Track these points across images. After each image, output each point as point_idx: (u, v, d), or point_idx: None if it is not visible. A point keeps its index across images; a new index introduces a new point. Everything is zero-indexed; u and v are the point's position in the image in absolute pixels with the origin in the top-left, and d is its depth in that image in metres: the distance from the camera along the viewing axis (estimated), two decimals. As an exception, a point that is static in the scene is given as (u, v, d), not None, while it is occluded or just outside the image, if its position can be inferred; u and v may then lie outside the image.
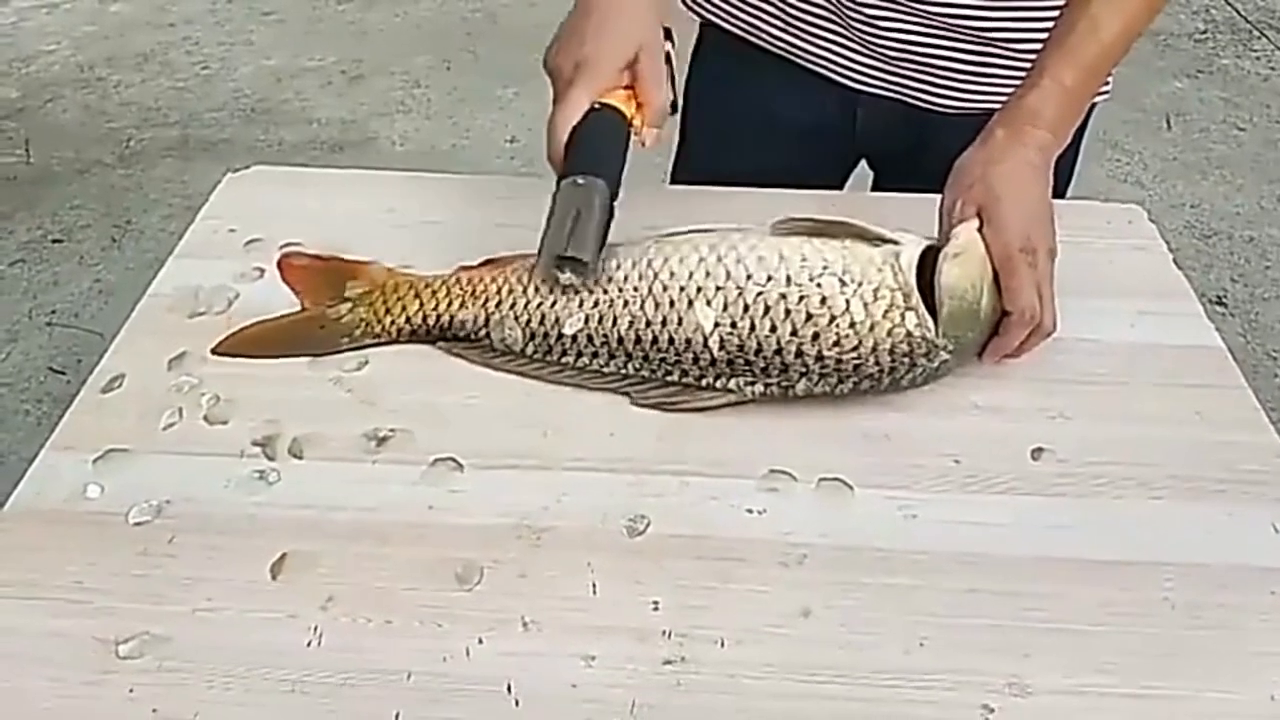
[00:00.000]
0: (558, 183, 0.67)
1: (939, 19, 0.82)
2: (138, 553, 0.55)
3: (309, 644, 0.51)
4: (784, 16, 0.88)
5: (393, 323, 0.69)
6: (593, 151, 0.67)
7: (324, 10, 3.08)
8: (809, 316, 0.62)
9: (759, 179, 0.81)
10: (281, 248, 0.75)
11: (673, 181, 0.99)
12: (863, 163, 0.99)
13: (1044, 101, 0.68)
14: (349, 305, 0.70)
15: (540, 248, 0.66)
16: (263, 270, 0.76)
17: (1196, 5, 3.03)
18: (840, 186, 0.98)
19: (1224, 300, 2.03)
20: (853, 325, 0.62)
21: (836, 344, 0.62)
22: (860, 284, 0.63)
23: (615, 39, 0.68)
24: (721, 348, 0.63)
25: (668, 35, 0.71)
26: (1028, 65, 0.84)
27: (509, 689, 0.50)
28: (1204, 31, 2.93)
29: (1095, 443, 0.63)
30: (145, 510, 0.58)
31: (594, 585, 0.54)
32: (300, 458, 0.61)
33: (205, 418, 0.63)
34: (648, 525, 0.58)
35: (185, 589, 0.54)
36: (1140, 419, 0.65)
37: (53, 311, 1.96)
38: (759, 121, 0.92)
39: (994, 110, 0.84)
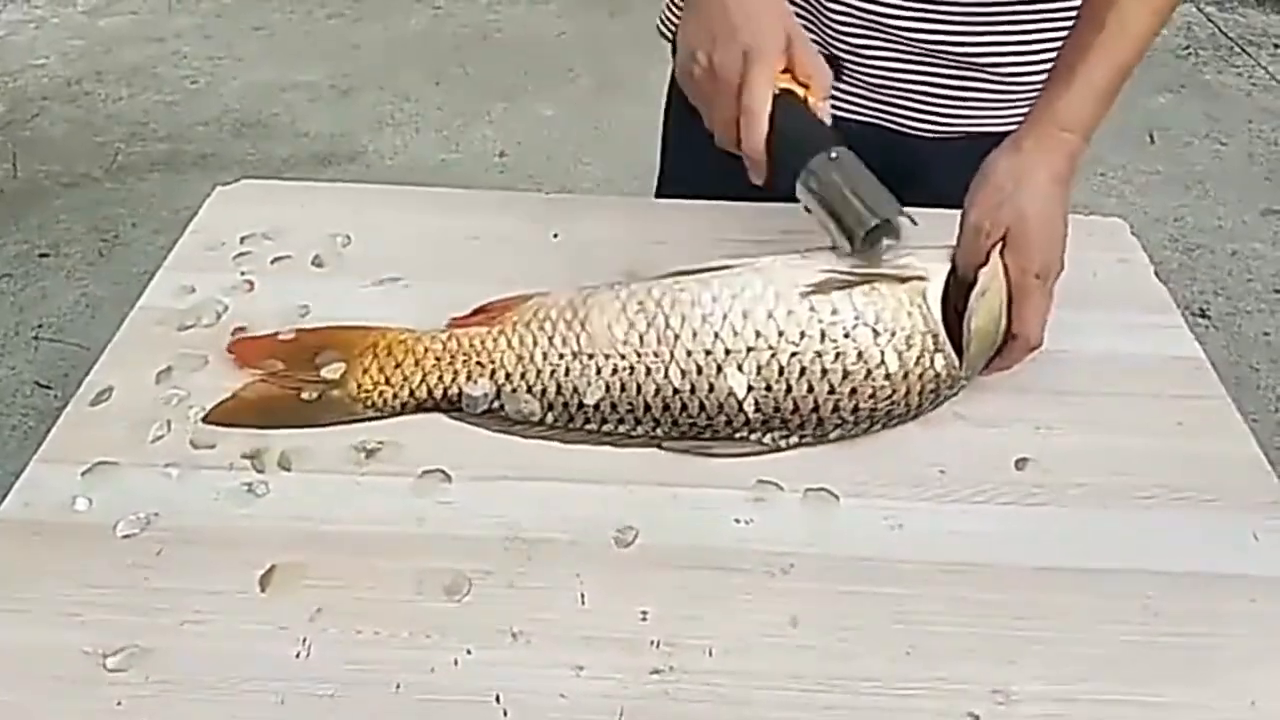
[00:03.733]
0: (793, 173, 0.64)
1: (919, 46, 0.83)
2: (126, 565, 0.55)
3: (298, 656, 0.51)
4: None
5: (395, 396, 0.64)
6: (806, 129, 0.64)
7: (313, 25, 3.09)
8: (845, 374, 0.62)
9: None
10: (234, 332, 0.70)
11: (660, 177, 0.99)
12: None
13: (1075, 104, 0.67)
14: (334, 382, 0.65)
15: (847, 237, 0.63)
16: (252, 283, 0.76)
17: (1179, 21, 3.07)
18: None
19: (1206, 313, 2.05)
20: (888, 376, 0.62)
21: (872, 395, 0.62)
22: (894, 333, 0.62)
23: (771, 23, 0.66)
24: (757, 410, 0.62)
25: None
26: (1008, 88, 0.83)
27: (498, 699, 0.50)
28: (1186, 47, 2.97)
29: (1079, 453, 0.64)
30: (133, 523, 0.58)
31: (582, 596, 0.55)
32: (289, 470, 0.61)
33: (191, 440, 0.63)
34: (636, 536, 0.58)
35: (173, 601, 0.54)
36: (1123, 429, 0.65)
37: (39, 325, 1.95)
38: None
39: (976, 134, 0.83)
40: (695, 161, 0.83)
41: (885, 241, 0.64)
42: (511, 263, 0.78)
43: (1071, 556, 0.58)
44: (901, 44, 0.83)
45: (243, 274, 0.77)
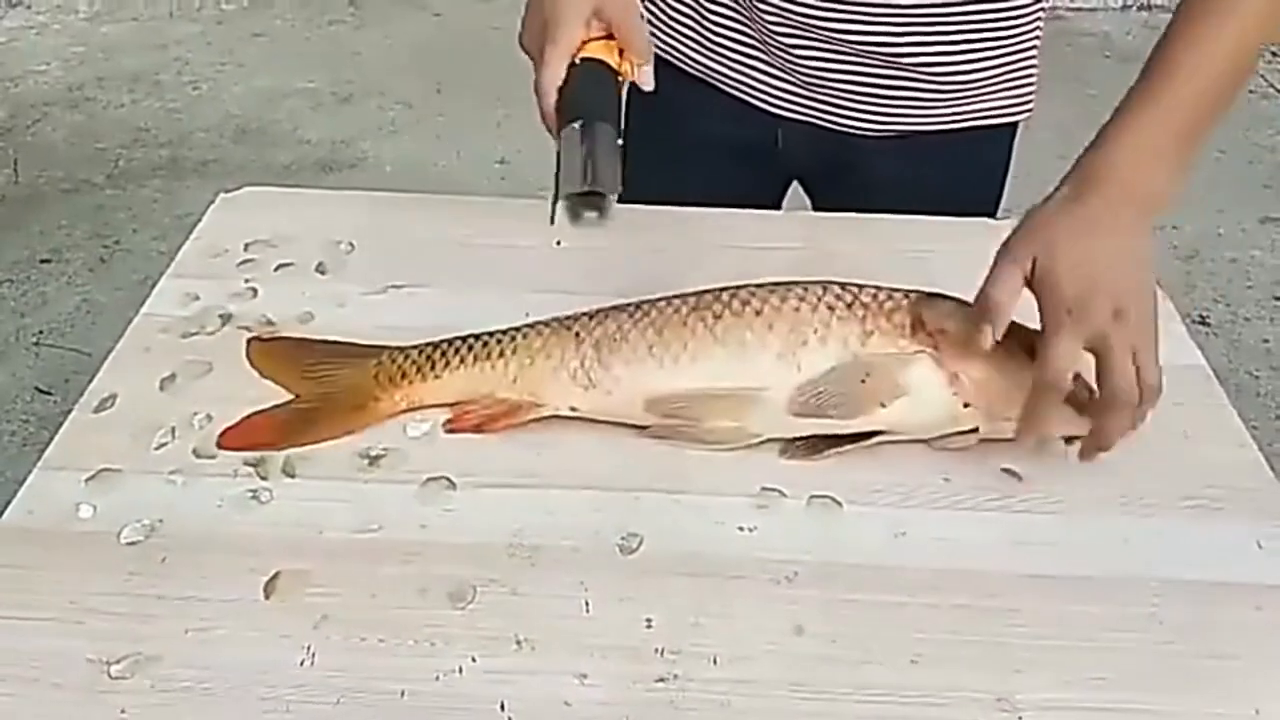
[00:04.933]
0: (557, 138, 0.65)
1: (853, 46, 0.83)
2: (130, 572, 0.55)
3: (302, 663, 0.51)
4: (704, 42, 0.89)
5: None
6: (583, 99, 0.66)
7: (314, 32, 3.10)
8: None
9: (700, 198, 0.82)
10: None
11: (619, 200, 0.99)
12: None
13: (1114, 153, 0.62)
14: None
15: (554, 195, 0.63)
16: (256, 290, 0.76)
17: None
18: (777, 206, 0.98)
19: (1207, 320, 2.05)
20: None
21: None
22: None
23: None
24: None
25: None
26: (937, 88, 0.83)
27: (502, 707, 0.50)
28: (1184, 55, 2.98)
29: (1080, 461, 0.64)
30: (137, 530, 0.58)
31: (587, 603, 0.55)
32: (293, 476, 0.61)
33: (195, 448, 0.63)
34: (640, 543, 0.58)
35: (177, 609, 0.54)
36: (1125, 437, 0.65)
37: (40, 331, 1.96)
38: (693, 143, 0.92)
39: (909, 132, 0.83)
40: (652, 167, 0.83)
41: (590, 213, 0.64)
42: (517, 270, 0.79)
43: (1075, 565, 0.58)
44: (831, 43, 0.83)
45: (246, 281, 0.77)
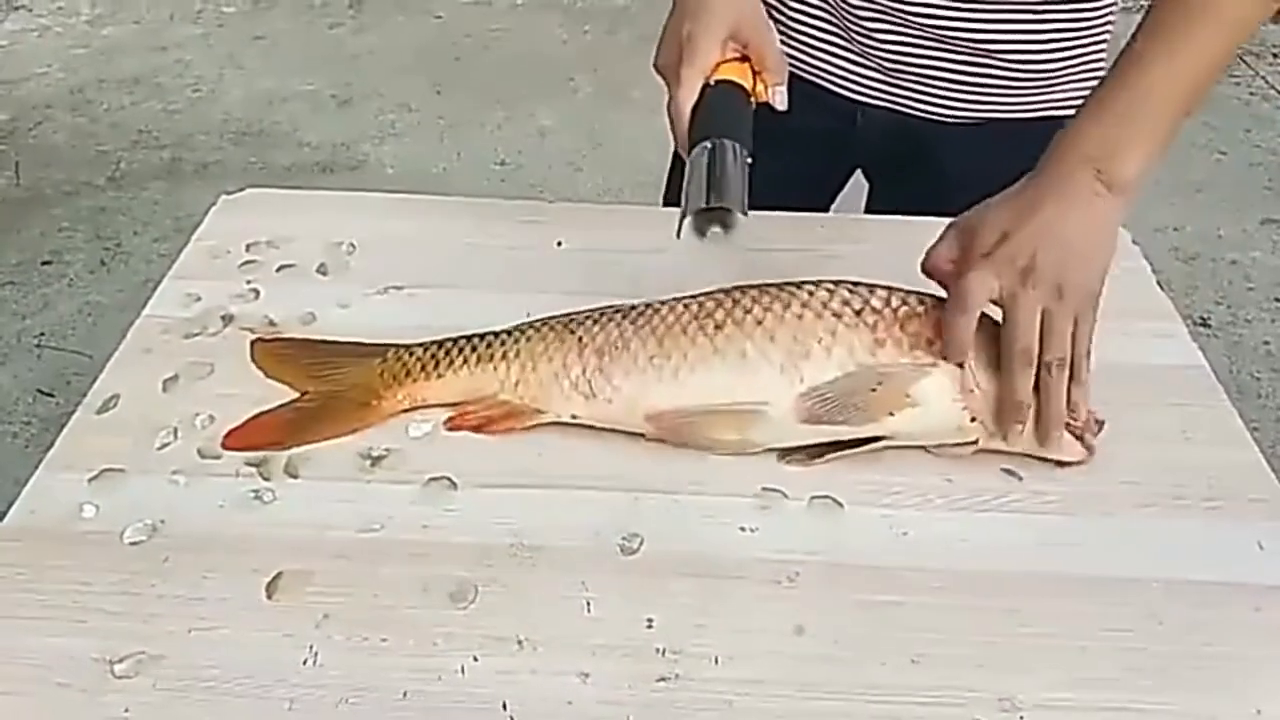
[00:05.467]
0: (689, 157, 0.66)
1: (934, 31, 0.84)
2: (133, 572, 0.56)
3: (305, 663, 0.52)
4: (784, 28, 0.90)
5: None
6: (716, 119, 0.67)
7: (315, 34, 3.10)
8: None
9: (760, 185, 0.82)
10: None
11: (667, 186, 0.99)
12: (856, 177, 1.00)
13: (1078, 135, 0.64)
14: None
15: (682, 210, 0.63)
16: (258, 292, 0.76)
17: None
18: (834, 195, 0.99)
19: (1208, 321, 2.05)
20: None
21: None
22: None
23: (712, 14, 0.69)
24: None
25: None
26: (1018, 75, 0.84)
27: (504, 707, 0.50)
28: (1184, 58, 2.98)
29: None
30: (140, 530, 0.58)
31: (588, 603, 0.55)
32: (295, 477, 0.61)
33: (199, 449, 0.63)
34: (641, 543, 0.58)
35: (180, 608, 0.54)
36: (1126, 438, 0.65)
37: (41, 334, 1.96)
38: (760, 129, 0.93)
39: (986, 119, 0.84)
40: None
41: (715, 228, 0.64)
42: (517, 271, 0.79)
43: (1077, 565, 0.58)
44: (914, 28, 0.84)
45: (248, 282, 0.77)
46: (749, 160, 0.65)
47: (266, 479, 0.61)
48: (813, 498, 0.61)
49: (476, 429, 0.64)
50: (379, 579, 0.56)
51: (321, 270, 0.79)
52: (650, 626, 0.54)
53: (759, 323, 0.64)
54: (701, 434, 0.63)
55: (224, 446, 0.63)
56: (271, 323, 0.73)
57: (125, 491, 0.60)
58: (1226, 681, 0.52)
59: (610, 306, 0.67)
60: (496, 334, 0.67)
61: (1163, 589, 0.56)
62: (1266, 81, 2.89)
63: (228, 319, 0.73)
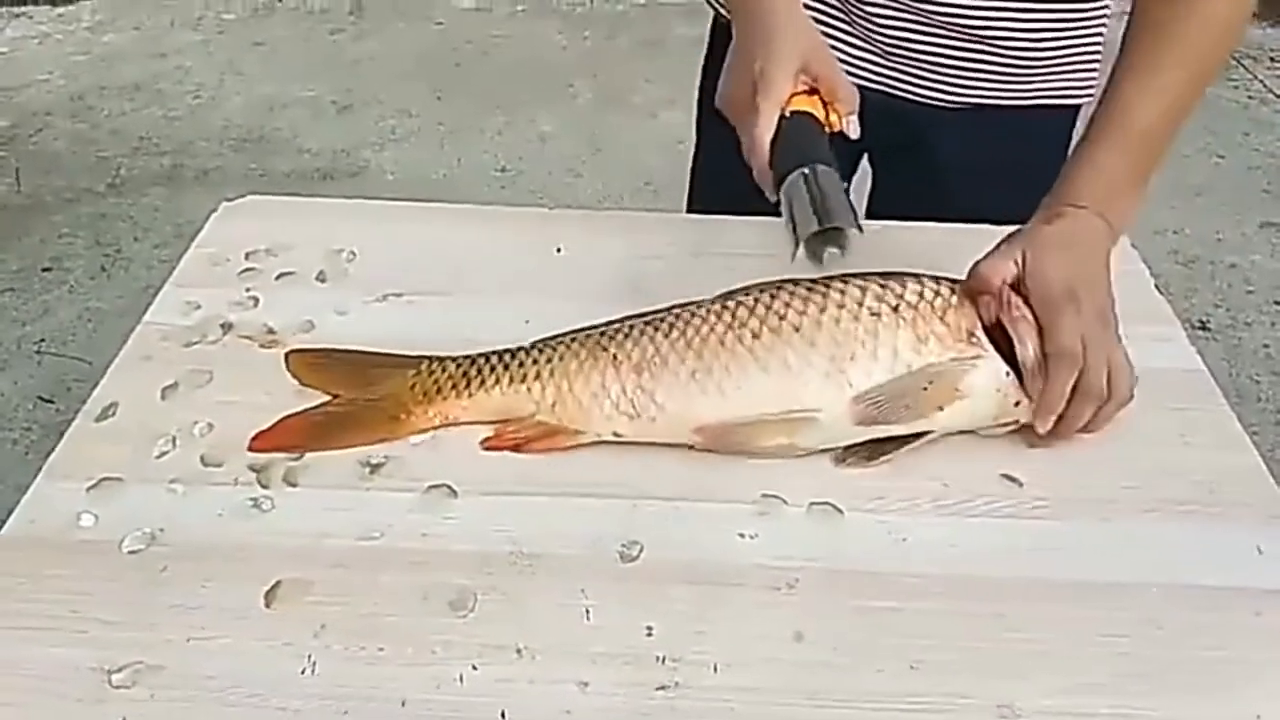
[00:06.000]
0: (778, 190, 0.67)
1: (939, 18, 0.85)
2: (131, 581, 0.55)
3: (303, 672, 0.51)
4: None
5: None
6: (801, 147, 0.68)
7: (315, 40, 3.11)
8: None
9: None
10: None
11: (692, 171, 1.00)
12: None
13: (1080, 184, 0.68)
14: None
15: (795, 240, 0.64)
16: (257, 299, 0.76)
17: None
18: (846, 180, 0.99)
19: (1207, 325, 2.05)
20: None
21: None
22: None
23: (783, 49, 0.70)
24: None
25: None
26: (1013, 62, 0.86)
27: (503, 715, 0.50)
28: (1183, 61, 2.98)
29: (1081, 465, 0.64)
30: (139, 539, 0.58)
31: (587, 611, 0.55)
32: (294, 485, 0.61)
33: (201, 456, 0.63)
34: (641, 551, 0.58)
35: (178, 617, 0.54)
36: (1125, 442, 0.65)
37: (41, 340, 1.96)
38: None
39: (979, 105, 0.87)
40: (727, 140, 0.84)
41: (828, 250, 0.65)
42: (516, 277, 0.79)
43: (1075, 570, 0.58)
44: (924, 17, 0.86)
45: (247, 290, 0.77)
46: (844, 182, 0.67)
47: (265, 487, 0.61)
48: (811, 504, 0.61)
49: (515, 449, 0.63)
50: (378, 587, 0.56)
51: (321, 278, 0.79)
52: (650, 634, 0.54)
53: (796, 329, 0.63)
54: (753, 442, 0.62)
55: (251, 449, 0.63)
56: (270, 330, 0.73)
57: (124, 500, 0.60)
58: (1226, 686, 0.52)
59: (635, 316, 0.67)
60: (528, 351, 0.66)
61: (1162, 593, 0.56)
62: (1265, 85, 2.90)
63: (227, 327, 0.73)
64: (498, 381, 0.64)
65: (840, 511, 0.61)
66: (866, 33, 0.88)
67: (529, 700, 0.50)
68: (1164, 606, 0.56)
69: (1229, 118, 2.71)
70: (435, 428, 0.64)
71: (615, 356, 0.64)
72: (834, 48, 0.90)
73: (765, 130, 0.68)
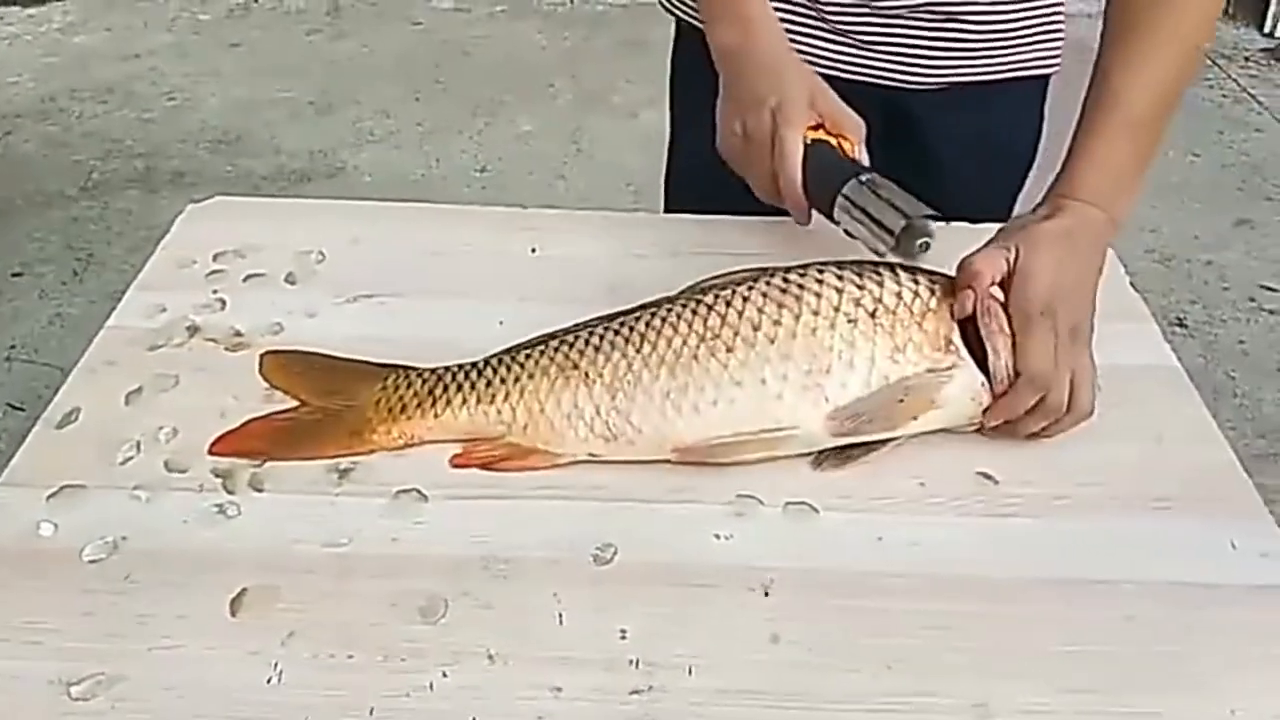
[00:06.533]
0: (831, 201, 0.70)
1: (902, 3, 0.86)
2: (92, 591, 0.54)
3: (269, 681, 0.50)
4: None
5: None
6: (836, 165, 0.71)
7: (292, 41, 3.08)
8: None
9: None
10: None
11: (667, 172, 1.01)
12: None
13: (1082, 175, 0.68)
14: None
15: (886, 241, 0.67)
16: (224, 301, 0.75)
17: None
18: None
19: (1184, 322, 2.06)
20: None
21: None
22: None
23: (793, 85, 0.73)
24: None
25: None
26: (985, 36, 0.88)
27: (474, 723, 0.49)
28: (1158, 60, 3.00)
29: (1057, 463, 0.64)
30: (101, 547, 0.56)
31: (560, 615, 0.54)
32: (261, 490, 0.60)
33: (165, 462, 0.62)
34: (615, 553, 0.57)
35: (142, 627, 0.53)
36: (1101, 439, 0.65)
37: (12, 346, 1.93)
38: None
39: (960, 83, 0.89)
40: (700, 139, 0.84)
41: (920, 241, 0.67)
42: (490, 278, 0.78)
43: (1051, 568, 0.57)
44: (883, 3, 0.86)
45: (214, 292, 0.76)
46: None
47: (231, 493, 0.60)
48: (787, 504, 0.60)
49: (484, 467, 0.62)
50: (347, 594, 0.55)
51: (290, 279, 0.77)
52: (624, 637, 0.53)
53: (771, 341, 0.62)
54: (731, 456, 0.61)
55: (211, 452, 0.62)
56: (238, 333, 0.72)
57: (85, 508, 0.59)
58: (1202, 683, 0.52)
59: (602, 323, 0.65)
60: (495, 368, 0.64)
61: (1137, 590, 0.56)
62: (1238, 84, 2.92)
63: (193, 330, 0.72)
64: (465, 401, 0.63)
65: (816, 511, 0.60)
66: (836, 27, 0.88)
67: (501, 707, 0.50)
68: (1139, 603, 0.55)
69: (1203, 116, 2.74)
70: (399, 447, 0.62)
71: (587, 375, 0.62)
72: (807, 44, 0.90)
73: (795, 155, 0.71)
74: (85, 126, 2.63)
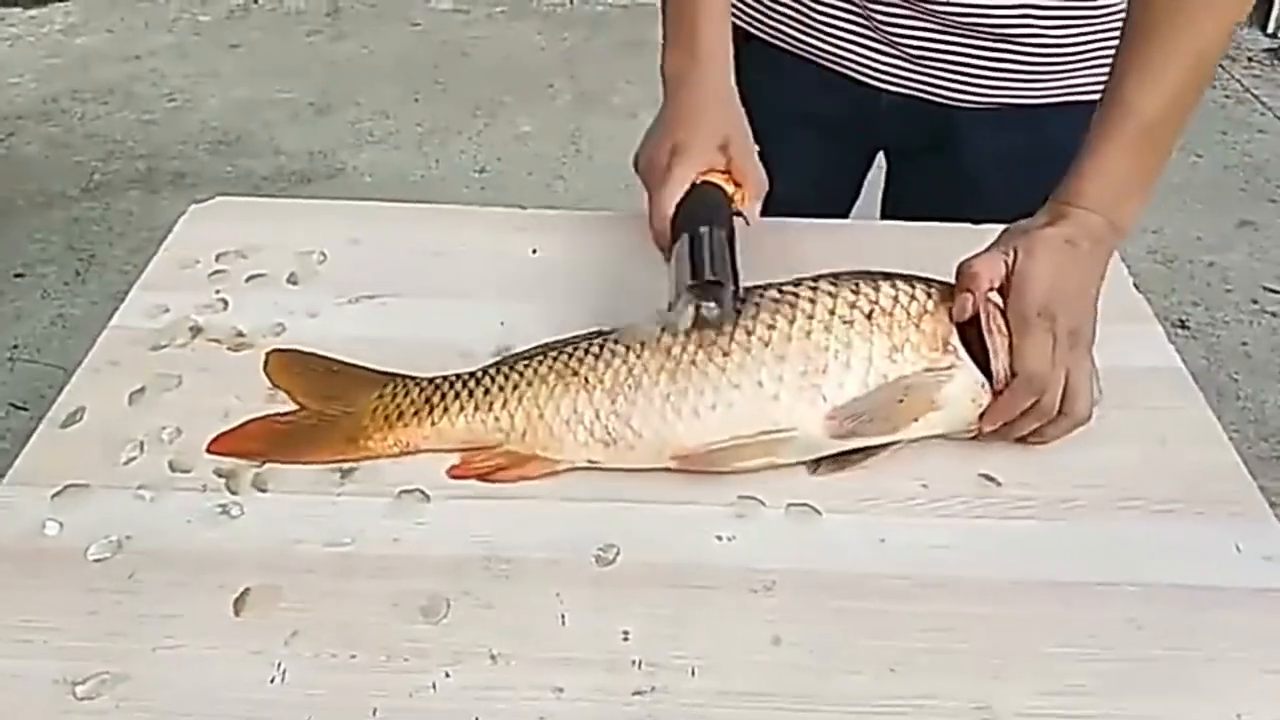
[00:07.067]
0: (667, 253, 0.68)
1: (955, 19, 0.85)
2: (97, 590, 0.54)
3: (272, 680, 0.50)
4: (807, 20, 0.91)
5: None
6: (703, 210, 0.68)
7: (292, 42, 3.08)
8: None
9: (783, 172, 0.81)
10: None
11: None
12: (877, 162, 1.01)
13: (1086, 183, 0.67)
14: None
15: (674, 293, 0.64)
16: (226, 302, 0.75)
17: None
18: (861, 177, 1.00)
19: (1186, 323, 2.06)
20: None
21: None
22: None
23: (708, 125, 0.73)
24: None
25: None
26: (1039, 61, 0.86)
27: (477, 723, 0.49)
28: (1159, 62, 3.00)
29: (1059, 465, 0.64)
30: (105, 546, 0.57)
31: (563, 616, 0.54)
32: (264, 490, 0.60)
33: (170, 461, 0.62)
34: (617, 554, 0.57)
35: (145, 626, 0.53)
36: (1104, 441, 0.65)
37: (14, 346, 1.93)
38: (780, 119, 0.91)
39: (1008, 105, 0.88)
40: None
41: (710, 305, 0.63)
42: (490, 279, 0.78)
43: (1054, 570, 0.57)
44: (936, 17, 0.85)
45: (217, 292, 0.76)
46: (734, 254, 0.66)
47: (234, 493, 0.60)
48: (789, 505, 0.60)
49: (483, 478, 0.61)
50: (349, 594, 0.55)
51: (292, 280, 0.77)
52: (626, 639, 0.53)
53: (766, 344, 0.62)
54: (731, 462, 0.61)
55: (210, 451, 0.62)
56: (240, 333, 0.72)
57: (89, 508, 0.59)
58: (1206, 686, 0.52)
59: (599, 334, 0.65)
60: (493, 377, 0.63)
61: (1140, 593, 0.56)
62: (1241, 85, 2.92)
63: (196, 330, 0.72)
64: (462, 409, 0.62)
65: (818, 513, 0.60)
66: (887, 37, 0.88)
67: (503, 707, 0.50)
68: (1142, 606, 0.55)
69: (1206, 117, 2.74)
70: (395, 455, 0.62)
71: (587, 380, 0.62)
72: (856, 53, 0.90)
73: (673, 194, 0.70)
74: (87, 127, 2.63)
